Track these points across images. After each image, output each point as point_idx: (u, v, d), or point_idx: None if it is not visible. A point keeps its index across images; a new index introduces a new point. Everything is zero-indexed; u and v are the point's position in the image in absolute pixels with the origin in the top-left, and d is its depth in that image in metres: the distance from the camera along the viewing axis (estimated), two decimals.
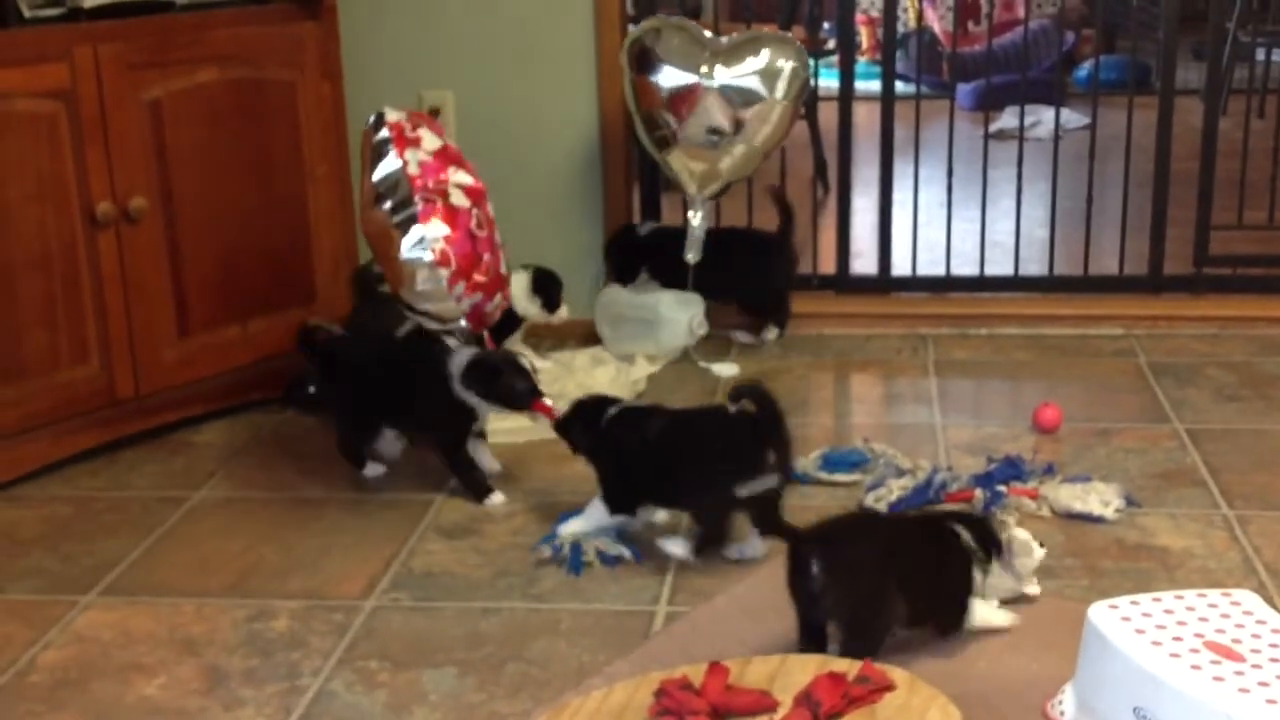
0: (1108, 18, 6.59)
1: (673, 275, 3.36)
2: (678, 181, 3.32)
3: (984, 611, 2.10)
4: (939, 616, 2.08)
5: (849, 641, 1.95)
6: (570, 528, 2.44)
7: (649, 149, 3.33)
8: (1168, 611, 1.81)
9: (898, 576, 1.99)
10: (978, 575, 2.07)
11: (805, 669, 1.88)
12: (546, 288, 3.18)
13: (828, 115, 3.97)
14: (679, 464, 2.36)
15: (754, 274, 3.45)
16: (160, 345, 2.87)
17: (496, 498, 2.61)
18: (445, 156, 2.69)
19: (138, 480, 2.77)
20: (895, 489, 2.55)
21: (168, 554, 2.46)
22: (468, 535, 2.49)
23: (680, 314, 3.31)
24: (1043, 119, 5.20)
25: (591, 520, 2.43)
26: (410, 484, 2.70)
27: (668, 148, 3.27)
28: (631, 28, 3.35)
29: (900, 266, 3.69)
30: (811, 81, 3.28)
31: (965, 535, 2.08)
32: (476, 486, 2.62)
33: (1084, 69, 6.37)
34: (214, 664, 2.10)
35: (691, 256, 3.31)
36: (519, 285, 3.12)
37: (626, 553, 2.38)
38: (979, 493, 2.53)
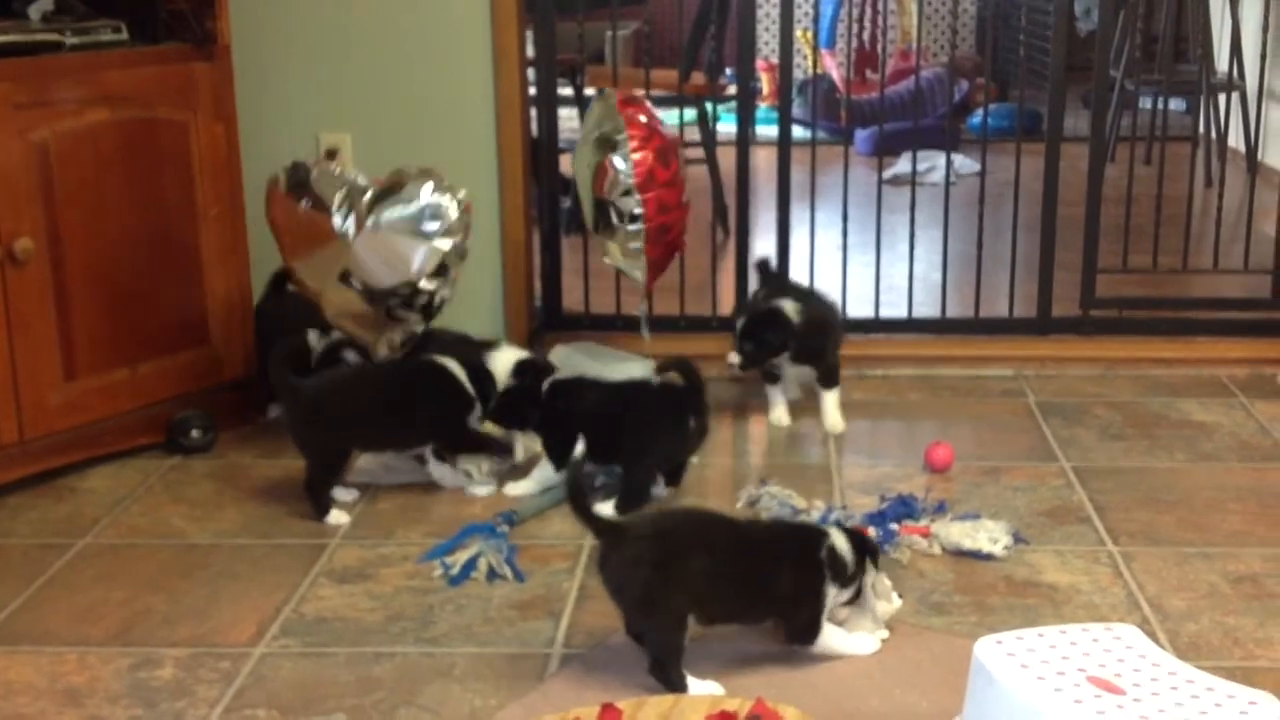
0: (999, 67, 6.75)
1: None
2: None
3: (838, 638, 2.15)
4: (786, 621, 2.13)
5: (646, 635, 2.09)
6: (519, 489, 2.78)
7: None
8: (1051, 646, 1.84)
9: (683, 576, 2.05)
10: (832, 592, 2.12)
11: (698, 709, 1.89)
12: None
13: (728, 160, 4.01)
14: (617, 429, 2.73)
15: None
16: (45, 389, 2.80)
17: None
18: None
19: (20, 527, 2.69)
20: None
21: (50, 603, 2.39)
22: (360, 580, 2.46)
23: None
24: (936, 165, 5.30)
25: (539, 479, 2.78)
26: (303, 528, 2.67)
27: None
28: None
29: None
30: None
31: (839, 544, 2.13)
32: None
33: (976, 116, 6.51)
34: (96, 715, 2.04)
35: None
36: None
37: (509, 574, 2.45)
38: (872, 531, 2.55)
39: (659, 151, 3.11)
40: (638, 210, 3.09)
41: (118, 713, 2.05)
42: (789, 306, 3.10)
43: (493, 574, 2.46)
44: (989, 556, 2.49)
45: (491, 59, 3.43)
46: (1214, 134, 5.53)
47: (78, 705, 2.07)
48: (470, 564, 2.47)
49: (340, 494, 2.76)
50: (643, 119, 3.13)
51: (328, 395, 2.74)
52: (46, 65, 2.79)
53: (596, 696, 1.97)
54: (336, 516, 2.69)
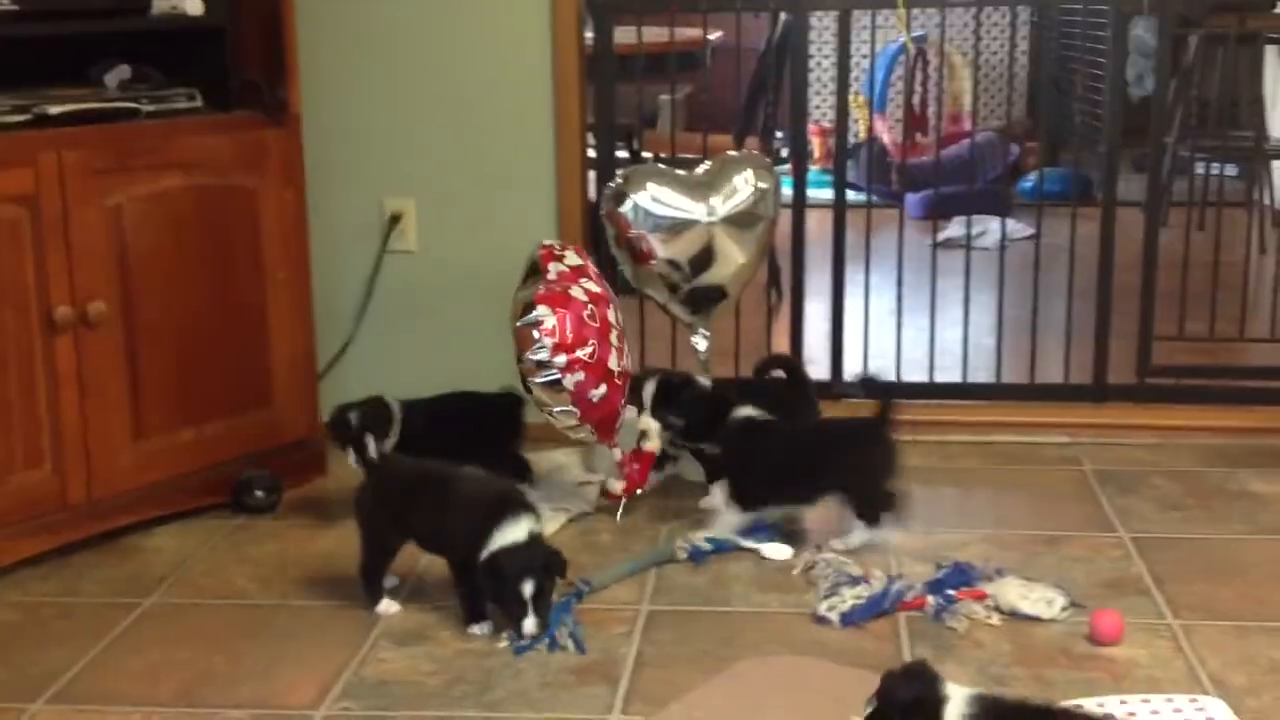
0: (1051, 131, 6.76)
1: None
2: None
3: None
4: None
5: None
6: (715, 533, 2.83)
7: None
8: (1131, 715, 1.82)
9: None
10: None
11: None
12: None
13: (781, 223, 4.03)
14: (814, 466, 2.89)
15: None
16: (114, 449, 2.86)
17: None
18: (579, 272, 3.04)
19: (88, 586, 2.74)
20: (849, 598, 2.57)
21: (117, 661, 2.44)
22: (421, 642, 2.49)
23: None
24: (989, 229, 5.30)
25: (727, 524, 2.86)
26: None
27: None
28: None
29: (852, 373, 3.73)
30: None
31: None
32: None
33: (1029, 180, 6.52)
34: None
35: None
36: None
37: (572, 647, 2.44)
38: (930, 600, 2.56)
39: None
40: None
41: None
42: None
43: (554, 645, 2.45)
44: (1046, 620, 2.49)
45: (553, 125, 3.48)
46: (1267, 201, 5.51)
47: None
48: (553, 642, 2.45)
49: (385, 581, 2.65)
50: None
51: (392, 481, 2.66)
52: (123, 132, 2.87)
53: None
54: (386, 606, 2.60)
